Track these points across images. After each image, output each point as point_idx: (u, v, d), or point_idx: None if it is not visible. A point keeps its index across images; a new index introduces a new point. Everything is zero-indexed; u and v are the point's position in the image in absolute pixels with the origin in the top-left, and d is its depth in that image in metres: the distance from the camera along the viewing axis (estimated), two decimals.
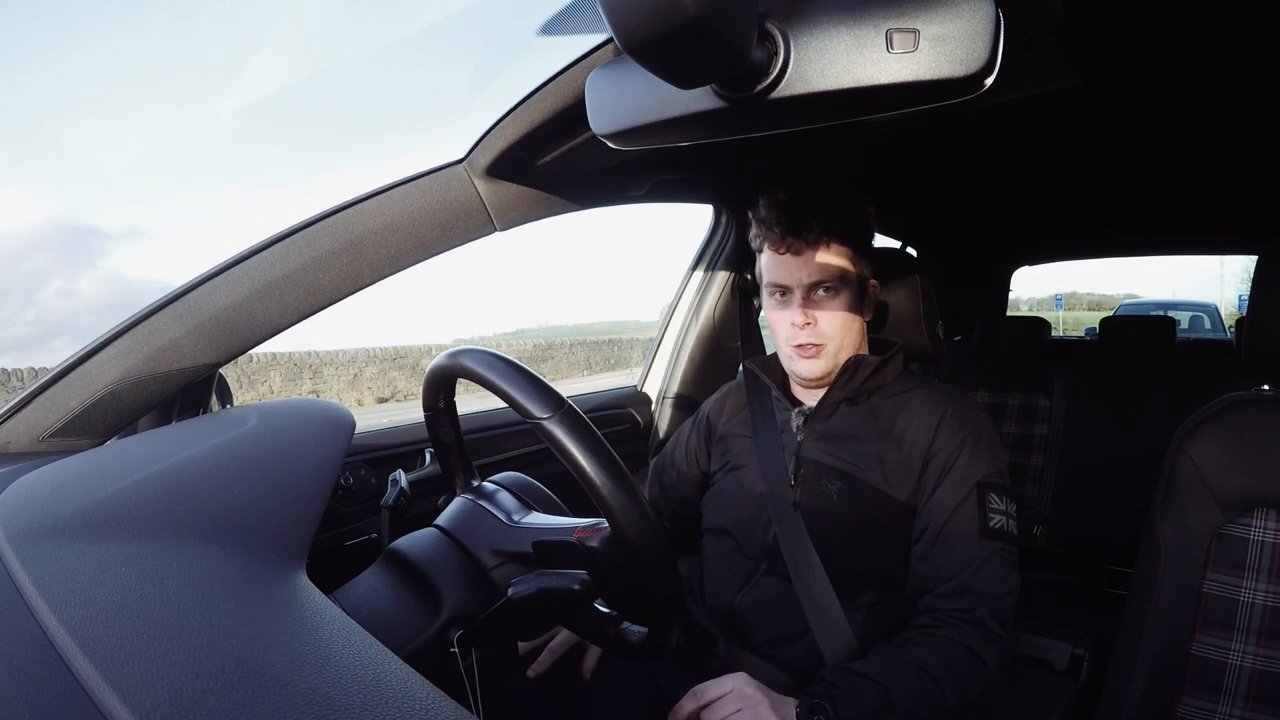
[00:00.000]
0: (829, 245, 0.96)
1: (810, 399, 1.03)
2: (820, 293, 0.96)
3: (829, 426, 0.99)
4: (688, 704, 0.79)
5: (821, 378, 0.99)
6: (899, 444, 0.94)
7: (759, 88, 0.45)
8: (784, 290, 0.98)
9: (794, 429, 1.01)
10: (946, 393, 0.99)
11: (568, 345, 15.11)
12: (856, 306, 0.99)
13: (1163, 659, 0.84)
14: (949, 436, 0.93)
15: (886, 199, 1.87)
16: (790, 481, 0.98)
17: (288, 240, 0.81)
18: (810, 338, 0.96)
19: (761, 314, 1.11)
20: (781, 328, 0.99)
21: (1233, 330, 3.12)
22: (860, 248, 0.99)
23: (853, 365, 0.98)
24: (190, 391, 0.82)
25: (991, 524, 0.89)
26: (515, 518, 0.72)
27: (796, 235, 0.95)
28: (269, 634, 0.42)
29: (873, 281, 1.02)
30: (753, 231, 1.01)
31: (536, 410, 0.57)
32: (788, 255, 0.96)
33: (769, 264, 0.99)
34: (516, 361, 0.62)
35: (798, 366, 1.00)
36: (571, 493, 0.72)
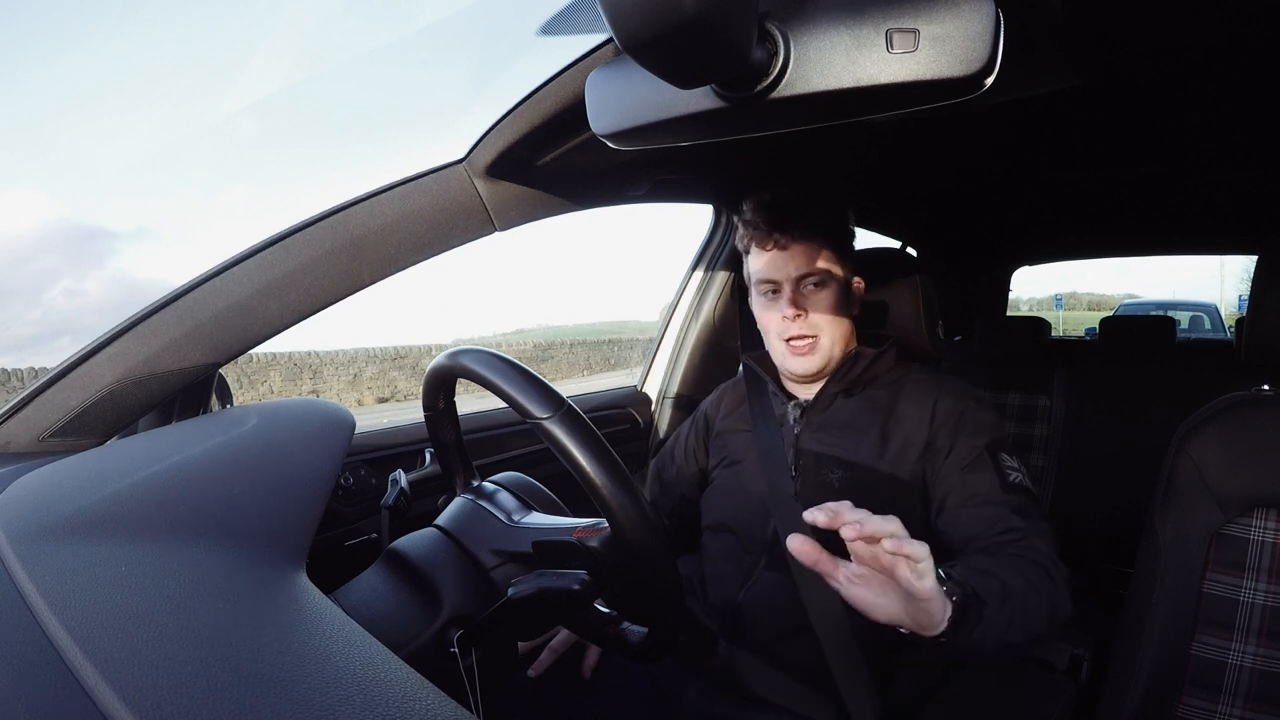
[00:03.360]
0: (814, 240, 0.98)
1: (807, 392, 1.04)
2: (809, 286, 0.98)
3: (826, 418, 1.00)
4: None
5: (815, 373, 1.00)
6: (899, 427, 0.95)
7: (759, 88, 0.45)
8: (774, 287, 1.00)
9: (791, 422, 1.02)
10: (940, 377, 1.01)
11: (568, 345, 15.10)
12: (843, 302, 1.00)
13: (1163, 659, 0.84)
14: (948, 412, 0.94)
15: (886, 199, 1.87)
16: (791, 473, 0.98)
17: (288, 240, 0.81)
18: (802, 329, 0.98)
19: None
20: (773, 323, 1.01)
21: (1233, 330, 3.11)
22: (842, 245, 1.02)
23: (852, 358, 1.00)
24: (190, 391, 0.82)
25: (1010, 479, 0.88)
26: (515, 518, 0.72)
27: (783, 231, 0.97)
28: (269, 634, 0.42)
29: (857, 280, 1.04)
30: (739, 233, 1.03)
31: (536, 410, 0.57)
32: (775, 251, 0.99)
33: (757, 262, 1.01)
34: (516, 361, 0.62)
35: (791, 364, 1.01)
36: (571, 493, 0.72)
